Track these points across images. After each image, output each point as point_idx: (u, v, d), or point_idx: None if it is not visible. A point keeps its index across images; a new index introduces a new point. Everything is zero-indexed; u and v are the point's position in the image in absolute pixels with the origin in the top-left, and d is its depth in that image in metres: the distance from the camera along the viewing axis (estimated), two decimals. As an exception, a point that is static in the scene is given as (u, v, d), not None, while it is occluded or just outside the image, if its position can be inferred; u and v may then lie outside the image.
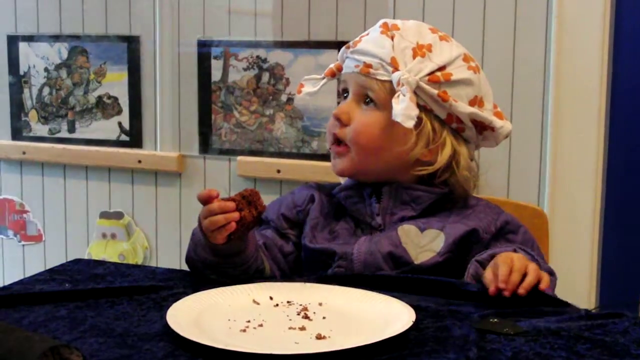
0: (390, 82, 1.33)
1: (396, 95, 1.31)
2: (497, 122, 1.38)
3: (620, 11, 2.07)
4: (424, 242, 1.33)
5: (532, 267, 1.17)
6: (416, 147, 1.36)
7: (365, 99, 1.37)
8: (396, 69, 1.33)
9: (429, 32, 1.38)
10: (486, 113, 1.38)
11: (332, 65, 1.45)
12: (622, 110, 2.11)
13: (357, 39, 1.40)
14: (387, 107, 1.34)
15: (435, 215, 1.37)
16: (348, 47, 1.41)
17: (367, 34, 1.41)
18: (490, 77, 2.12)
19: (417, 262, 1.32)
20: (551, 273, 1.26)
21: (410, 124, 1.29)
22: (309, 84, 1.45)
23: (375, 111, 1.36)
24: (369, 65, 1.35)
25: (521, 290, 1.14)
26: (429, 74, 1.33)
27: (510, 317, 1.11)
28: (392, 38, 1.36)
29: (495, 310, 1.14)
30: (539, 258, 1.27)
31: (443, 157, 1.37)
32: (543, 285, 1.15)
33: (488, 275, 1.19)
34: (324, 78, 1.45)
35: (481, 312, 1.13)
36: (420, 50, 1.35)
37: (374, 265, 1.33)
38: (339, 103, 1.46)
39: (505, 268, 1.15)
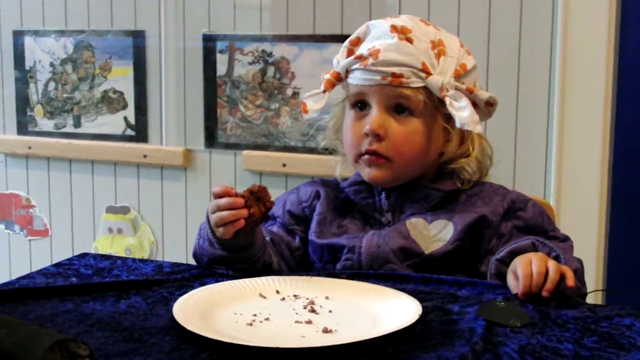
0: (423, 87, 1.32)
1: (448, 102, 1.30)
2: (496, 98, 1.38)
3: (627, 1, 2.07)
4: (433, 233, 1.33)
5: (552, 267, 1.16)
6: (452, 144, 1.37)
7: (397, 108, 1.34)
8: (428, 73, 1.32)
9: (426, 26, 1.37)
10: (484, 90, 1.38)
11: (328, 76, 1.38)
12: (628, 102, 2.10)
13: (373, 48, 1.33)
14: (424, 113, 1.34)
15: (442, 207, 1.37)
16: (360, 58, 1.34)
17: (359, 39, 1.37)
18: (496, 69, 2.13)
19: (427, 252, 1.32)
20: (578, 261, 1.27)
21: (479, 128, 1.30)
22: (311, 101, 1.38)
23: (412, 118, 1.34)
24: (400, 75, 1.31)
25: (544, 293, 1.14)
26: (454, 71, 1.33)
27: (517, 299, 1.13)
28: (411, 41, 1.33)
29: (502, 295, 1.15)
30: (558, 250, 1.25)
31: (476, 148, 1.38)
32: (569, 282, 1.15)
33: (510, 282, 1.20)
34: (324, 92, 1.38)
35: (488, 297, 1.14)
36: (436, 49, 1.33)
37: (382, 258, 1.33)
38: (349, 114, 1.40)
39: (525, 277, 1.15)
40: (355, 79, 1.36)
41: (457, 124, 1.30)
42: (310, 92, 1.39)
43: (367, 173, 1.37)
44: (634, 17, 2.07)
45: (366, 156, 1.36)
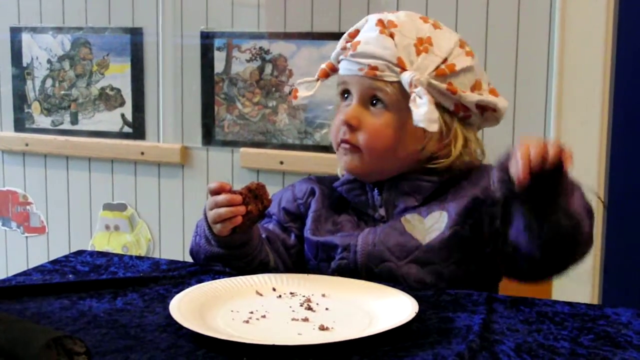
0: (399, 82, 1.32)
1: (412, 98, 1.29)
2: (499, 102, 1.37)
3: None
4: (428, 225, 1.33)
5: (552, 147, 1.10)
6: (430, 143, 1.36)
7: (372, 101, 1.35)
8: (403, 68, 1.32)
9: (423, 23, 1.37)
10: (486, 95, 1.37)
11: (324, 66, 1.42)
12: (626, 101, 2.10)
13: (355, 40, 1.36)
14: (398, 108, 1.33)
15: (436, 199, 1.37)
16: (344, 49, 1.38)
17: (357, 32, 1.38)
18: (493, 67, 2.13)
19: (424, 242, 1.32)
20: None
21: (434, 127, 1.28)
22: (303, 88, 1.41)
23: (385, 112, 1.34)
24: (375, 68, 1.33)
25: (548, 165, 1.08)
26: (435, 69, 1.32)
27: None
28: (392, 36, 1.33)
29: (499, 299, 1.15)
30: None
31: (457, 149, 1.36)
32: (567, 164, 1.10)
33: (512, 168, 1.11)
34: (318, 80, 1.41)
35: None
36: (421, 46, 1.33)
37: (378, 257, 1.33)
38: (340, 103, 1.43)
39: (522, 157, 1.08)
40: (342, 69, 1.39)
41: (414, 121, 1.29)
42: (304, 78, 1.42)
43: (344, 162, 1.38)
44: (631, 13, 2.07)
45: (342, 145, 1.37)
